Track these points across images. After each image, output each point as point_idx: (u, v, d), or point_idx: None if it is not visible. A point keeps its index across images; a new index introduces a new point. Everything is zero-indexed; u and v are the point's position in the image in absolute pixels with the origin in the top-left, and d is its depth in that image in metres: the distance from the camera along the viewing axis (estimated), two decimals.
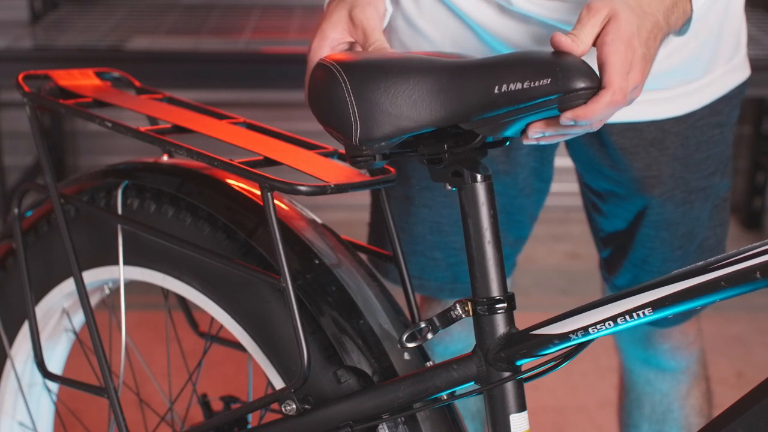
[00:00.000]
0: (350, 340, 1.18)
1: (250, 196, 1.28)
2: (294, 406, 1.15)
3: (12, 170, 3.30)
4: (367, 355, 1.18)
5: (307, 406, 1.16)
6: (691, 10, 1.15)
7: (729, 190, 1.52)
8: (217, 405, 1.47)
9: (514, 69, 1.01)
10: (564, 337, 1.04)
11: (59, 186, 1.34)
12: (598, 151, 1.44)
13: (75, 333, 1.49)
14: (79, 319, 1.47)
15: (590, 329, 1.03)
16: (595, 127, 1.04)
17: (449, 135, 1.08)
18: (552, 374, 1.09)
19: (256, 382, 1.42)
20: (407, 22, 1.38)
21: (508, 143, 1.13)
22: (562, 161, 1.54)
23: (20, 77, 1.33)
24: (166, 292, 1.37)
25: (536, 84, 1.00)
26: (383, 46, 1.22)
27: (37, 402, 1.51)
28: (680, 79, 1.37)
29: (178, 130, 1.29)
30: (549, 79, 0.99)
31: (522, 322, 1.09)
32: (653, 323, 1.56)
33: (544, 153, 1.49)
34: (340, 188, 1.12)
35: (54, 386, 1.51)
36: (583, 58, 1.03)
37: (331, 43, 1.25)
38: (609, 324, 1.02)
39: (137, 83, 1.44)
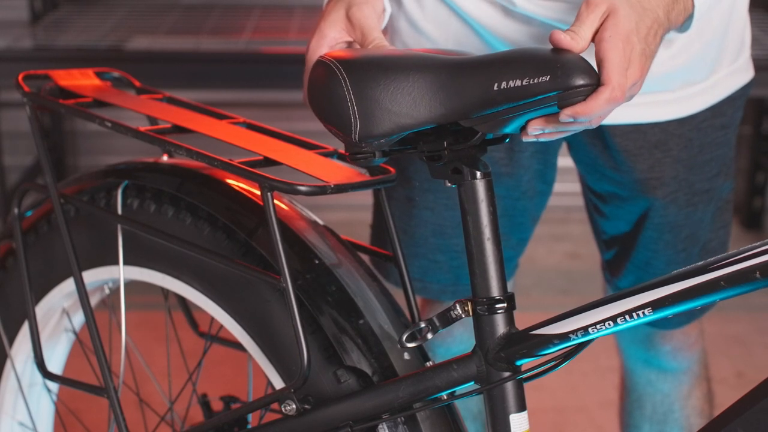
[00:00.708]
0: (350, 340, 1.18)
1: (250, 196, 1.28)
2: (294, 406, 1.15)
3: (12, 170, 3.30)
4: (367, 355, 1.18)
5: (307, 406, 1.16)
6: (693, 6, 1.14)
7: (732, 191, 1.52)
8: (217, 405, 1.47)
9: (514, 66, 1.01)
10: (564, 337, 1.04)
11: (59, 186, 1.33)
12: (601, 152, 1.43)
13: (75, 333, 1.49)
14: (79, 319, 1.47)
15: (590, 329, 1.03)
16: (595, 124, 1.04)
17: (449, 132, 1.08)
18: (552, 374, 1.09)
19: (256, 382, 1.42)
20: (410, 23, 1.38)
21: (507, 140, 1.13)
22: (562, 161, 1.54)
23: (20, 77, 1.33)
24: (166, 292, 1.37)
25: (535, 81, 1.00)
26: (382, 44, 1.22)
27: (37, 402, 1.51)
28: (684, 81, 1.37)
29: (178, 130, 1.29)
30: (548, 76, 0.99)
31: (522, 322, 1.09)
32: (655, 325, 1.57)
33: (547, 155, 1.49)
34: (340, 188, 1.12)
35: (54, 386, 1.51)
36: (583, 53, 1.03)
37: (329, 42, 1.25)
38: (609, 324, 1.02)
39: (137, 83, 1.44)
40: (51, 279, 1.40)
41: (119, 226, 1.31)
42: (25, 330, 1.44)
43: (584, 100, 1.00)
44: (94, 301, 1.44)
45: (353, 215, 3.14)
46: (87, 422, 1.66)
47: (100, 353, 1.27)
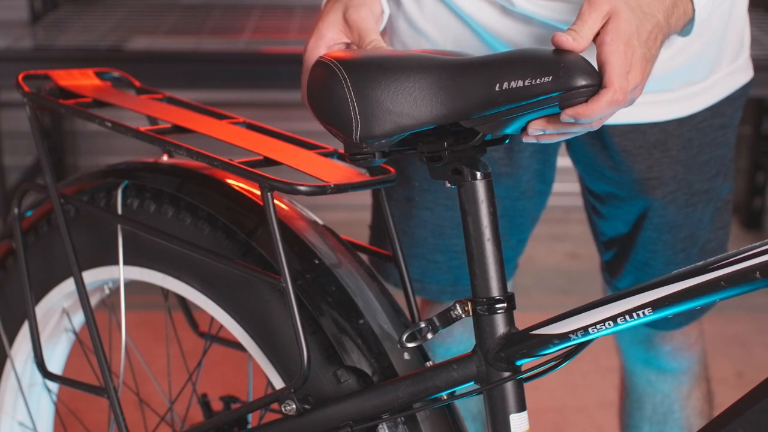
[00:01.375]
0: (350, 340, 1.18)
1: (250, 196, 1.28)
2: (294, 406, 1.15)
3: (12, 170, 3.30)
4: (367, 355, 1.18)
5: (307, 406, 1.16)
6: (693, 11, 1.14)
7: (731, 192, 1.52)
8: (217, 405, 1.47)
9: (515, 66, 1.01)
10: (564, 337, 1.04)
11: (59, 186, 1.33)
12: (600, 152, 1.43)
13: (75, 333, 1.49)
14: (79, 319, 1.47)
15: (590, 329, 1.03)
16: (596, 126, 1.04)
17: (449, 132, 1.08)
18: (552, 374, 1.09)
19: (256, 382, 1.42)
20: (409, 23, 1.38)
21: (507, 141, 1.13)
22: (562, 161, 1.54)
23: (20, 77, 1.33)
24: (166, 292, 1.37)
25: (537, 81, 1.00)
26: (379, 46, 1.22)
27: (37, 402, 1.51)
28: (683, 81, 1.37)
29: (178, 130, 1.29)
30: (550, 77, 0.99)
31: (522, 322, 1.09)
32: (655, 325, 1.57)
33: (547, 155, 1.49)
34: (340, 188, 1.12)
35: (54, 386, 1.51)
36: (584, 54, 1.03)
37: (327, 42, 1.25)
38: (609, 324, 1.02)
39: (137, 83, 1.44)
40: (51, 279, 1.40)
41: (119, 226, 1.31)
42: (25, 330, 1.44)
43: (586, 101, 1.00)
44: (94, 301, 1.44)
45: (353, 215, 3.14)
46: (87, 422, 1.66)
47: (100, 353, 1.27)
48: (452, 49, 1.35)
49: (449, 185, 1.09)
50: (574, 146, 1.48)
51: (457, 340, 1.59)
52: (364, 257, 1.31)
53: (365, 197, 1.61)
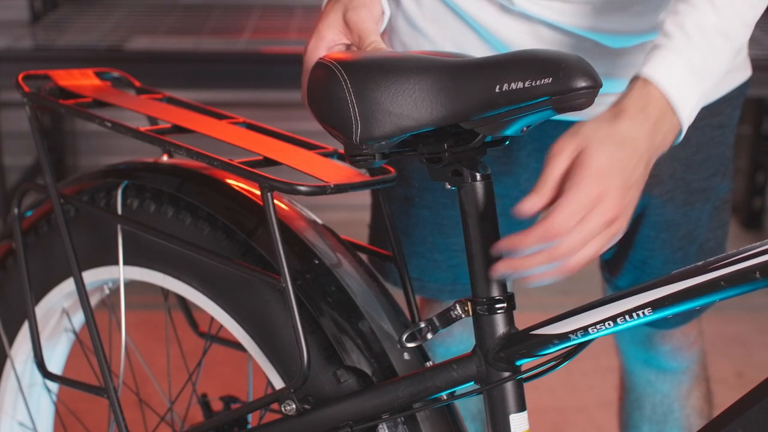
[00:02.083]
0: (350, 340, 1.18)
1: (249, 196, 1.28)
2: (294, 406, 1.15)
3: (12, 170, 3.30)
4: (367, 355, 1.18)
5: (306, 406, 1.16)
6: (680, 123, 1.08)
7: (730, 191, 1.52)
8: (217, 405, 1.47)
9: (515, 68, 1.01)
10: (564, 337, 1.04)
11: (59, 186, 1.33)
12: None
13: (75, 333, 1.49)
14: (79, 319, 1.47)
15: (590, 329, 1.03)
16: (539, 280, 1.04)
17: (449, 134, 1.08)
18: (552, 374, 1.09)
19: (256, 382, 1.42)
20: (408, 21, 1.38)
21: (507, 143, 1.13)
22: None
23: (20, 77, 1.33)
24: (166, 292, 1.37)
25: (537, 83, 1.00)
26: (379, 47, 1.22)
27: (37, 402, 1.51)
28: None
29: (178, 130, 1.29)
30: (550, 78, 0.99)
31: (522, 322, 1.09)
32: (654, 324, 1.56)
33: (546, 153, 1.49)
34: (340, 188, 1.12)
35: (54, 386, 1.51)
36: (592, 60, 1.03)
37: (327, 43, 1.25)
38: (609, 324, 1.02)
39: (137, 83, 1.44)
40: (51, 279, 1.40)
41: (119, 226, 1.31)
42: (25, 330, 1.44)
43: (586, 100, 1.00)
44: (94, 301, 1.44)
45: (353, 215, 3.14)
46: (87, 422, 1.66)
47: (100, 353, 1.27)
48: (451, 48, 1.35)
49: (449, 186, 1.10)
50: None
51: (457, 339, 1.59)
52: (364, 257, 1.31)
53: (365, 197, 1.61)
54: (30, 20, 3.33)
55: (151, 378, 1.53)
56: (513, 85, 1.01)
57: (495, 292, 1.08)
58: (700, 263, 0.99)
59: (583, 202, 1.01)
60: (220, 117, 1.34)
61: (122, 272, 1.32)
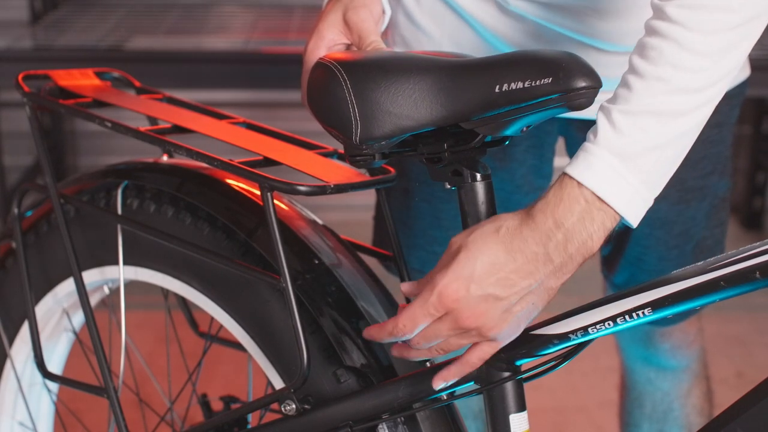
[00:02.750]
0: (350, 340, 1.18)
1: (249, 196, 1.28)
2: (294, 406, 1.15)
3: (12, 170, 3.30)
4: (367, 355, 1.18)
5: (306, 406, 1.16)
6: (618, 218, 1.00)
7: (728, 190, 1.51)
8: (217, 405, 1.47)
9: (515, 68, 1.01)
10: (564, 337, 1.04)
11: (59, 186, 1.33)
12: None
13: (75, 333, 1.49)
14: (79, 319, 1.47)
15: (590, 329, 1.03)
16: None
17: (449, 134, 1.08)
18: (552, 374, 1.09)
19: (256, 382, 1.42)
20: (407, 17, 1.39)
21: (507, 143, 1.13)
22: (559, 161, 1.54)
23: (20, 77, 1.33)
24: (166, 292, 1.37)
25: (537, 83, 1.00)
26: (379, 47, 1.22)
27: (37, 402, 1.51)
28: None
29: (178, 130, 1.29)
30: (550, 78, 0.99)
31: None
32: (653, 322, 1.56)
33: (543, 150, 1.49)
34: (340, 188, 1.12)
35: (54, 386, 1.51)
36: (587, 59, 1.03)
37: (327, 43, 1.25)
38: (609, 324, 1.02)
39: (137, 83, 1.44)
40: (51, 279, 1.40)
41: (119, 226, 1.31)
42: (25, 330, 1.44)
43: (587, 100, 1.00)
44: (94, 301, 1.44)
45: (353, 215, 3.14)
46: (87, 422, 1.66)
47: (100, 353, 1.27)
48: (448, 44, 1.35)
49: (449, 186, 1.10)
50: (570, 141, 1.48)
51: None
52: (364, 257, 1.32)
53: (365, 197, 1.61)
54: (30, 20, 3.33)
55: (151, 378, 1.53)
56: (513, 85, 1.01)
57: None
58: (699, 263, 0.99)
59: (427, 309, 1.02)
60: (220, 117, 1.34)
61: (122, 272, 1.32)
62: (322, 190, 1.10)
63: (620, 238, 1.51)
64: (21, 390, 1.47)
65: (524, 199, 1.50)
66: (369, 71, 1.07)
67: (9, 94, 3.27)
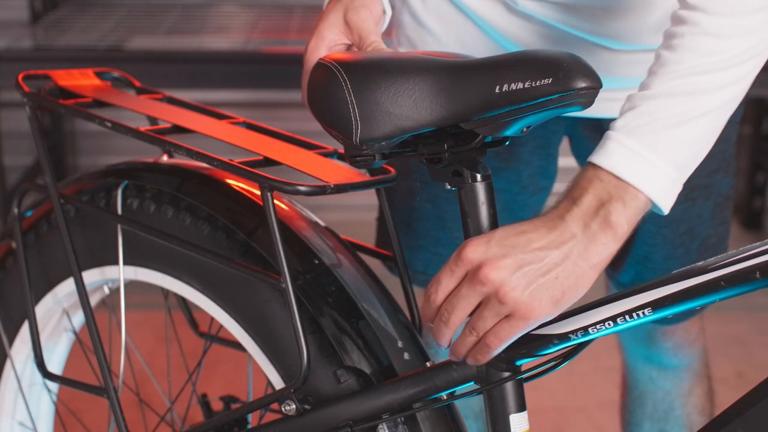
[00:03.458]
0: (350, 340, 1.18)
1: (249, 196, 1.28)
2: (294, 406, 1.15)
3: (12, 170, 3.30)
4: (367, 355, 1.18)
5: (307, 406, 1.16)
6: (640, 194, 1.00)
7: (732, 188, 1.52)
8: (217, 405, 1.47)
9: (516, 68, 1.01)
10: (564, 337, 1.04)
11: (59, 186, 1.33)
12: None
13: (75, 333, 1.49)
14: (79, 319, 1.47)
15: (590, 329, 1.03)
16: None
17: (449, 134, 1.08)
18: (552, 374, 1.09)
19: (256, 382, 1.42)
20: (413, 16, 1.39)
21: (507, 143, 1.13)
22: (563, 161, 1.54)
23: (20, 77, 1.33)
24: (166, 292, 1.37)
25: (537, 83, 1.00)
26: (379, 48, 1.22)
27: (37, 402, 1.51)
28: None
29: (178, 130, 1.29)
30: (550, 79, 0.99)
31: None
32: (655, 321, 1.56)
33: (549, 150, 1.49)
34: (340, 188, 1.12)
35: (54, 386, 1.51)
36: (593, 58, 1.03)
37: (328, 43, 1.25)
38: (609, 324, 1.02)
39: (137, 83, 1.44)
40: (51, 279, 1.40)
41: (119, 226, 1.31)
42: (25, 330, 1.44)
43: (587, 101, 1.00)
44: (94, 301, 1.44)
45: (353, 215, 3.14)
46: (87, 422, 1.66)
47: (100, 353, 1.27)
48: (454, 44, 1.35)
49: (449, 187, 1.10)
50: (576, 140, 1.48)
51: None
52: (364, 257, 1.32)
53: (365, 197, 1.61)
54: (30, 20, 3.33)
55: (151, 378, 1.53)
56: (513, 86, 1.01)
57: None
58: (700, 263, 0.99)
59: (448, 266, 1.02)
60: (220, 117, 1.34)
61: (122, 272, 1.32)
62: (322, 190, 1.10)
63: None
64: (21, 390, 1.47)
65: (530, 199, 1.50)
66: (369, 72, 1.07)
67: (9, 94, 3.27)
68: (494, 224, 1.08)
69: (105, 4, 3.41)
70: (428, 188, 1.47)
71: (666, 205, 1.02)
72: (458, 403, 1.20)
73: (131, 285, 1.36)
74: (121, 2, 3.41)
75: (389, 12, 1.29)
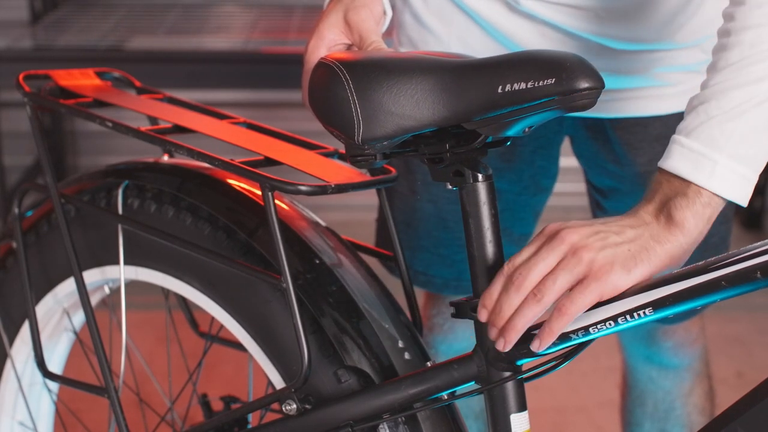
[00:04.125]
0: (351, 340, 1.18)
1: (250, 196, 1.28)
2: (294, 405, 1.15)
3: (12, 170, 3.30)
4: (368, 355, 1.18)
5: (307, 406, 1.16)
6: (701, 189, 1.02)
7: None
8: (217, 405, 1.47)
9: (518, 69, 1.01)
10: (564, 337, 1.04)
11: (59, 186, 1.33)
12: (603, 146, 1.44)
13: (75, 333, 1.49)
14: (79, 318, 1.47)
15: (591, 329, 1.02)
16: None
17: (451, 134, 1.08)
18: (552, 374, 1.09)
19: (256, 382, 1.42)
20: (414, 17, 1.39)
21: (509, 143, 1.13)
22: (564, 161, 1.54)
23: (20, 77, 1.33)
24: (166, 292, 1.37)
25: (540, 84, 0.99)
26: (380, 47, 1.22)
27: (37, 402, 1.51)
28: (685, 75, 1.37)
29: (179, 130, 1.29)
30: (553, 79, 0.99)
31: None
32: (655, 321, 1.56)
33: (550, 150, 1.49)
34: (341, 188, 1.12)
35: (54, 386, 1.51)
36: (596, 58, 1.03)
37: (328, 43, 1.25)
38: (610, 324, 1.02)
39: (137, 83, 1.44)
40: (51, 279, 1.40)
41: (120, 226, 1.31)
42: (25, 330, 1.44)
43: (589, 101, 1.00)
44: (94, 301, 1.44)
45: (353, 215, 3.14)
46: (87, 422, 1.66)
47: (100, 353, 1.27)
48: (456, 44, 1.35)
49: (451, 187, 1.10)
50: (577, 140, 1.48)
51: (460, 337, 1.59)
52: (365, 257, 1.31)
53: (366, 197, 1.61)
54: (30, 20, 3.33)
55: (151, 378, 1.53)
56: (516, 86, 1.01)
57: None
58: (700, 263, 0.99)
59: (531, 242, 1.03)
60: (221, 117, 1.34)
61: (123, 272, 1.32)
62: (323, 189, 1.10)
63: None
64: (21, 390, 1.47)
65: (531, 200, 1.50)
66: (371, 71, 1.07)
67: (9, 94, 3.27)
68: (496, 225, 1.08)
69: (105, 4, 3.41)
70: (429, 188, 1.47)
71: (738, 198, 1.05)
72: (459, 403, 1.20)
73: (132, 285, 1.36)
74: (121, 2, 3.41)
75: (390, 13, 1.29)
